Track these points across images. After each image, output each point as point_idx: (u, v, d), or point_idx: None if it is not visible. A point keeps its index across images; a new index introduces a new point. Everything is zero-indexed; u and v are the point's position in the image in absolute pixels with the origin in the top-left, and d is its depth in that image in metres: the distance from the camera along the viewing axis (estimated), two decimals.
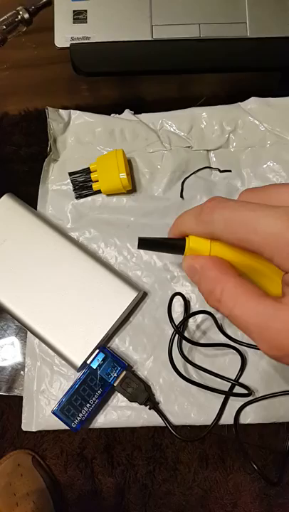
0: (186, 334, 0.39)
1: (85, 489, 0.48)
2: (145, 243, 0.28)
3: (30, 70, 0.50)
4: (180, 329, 0.38)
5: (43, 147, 0.43)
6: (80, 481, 0.48)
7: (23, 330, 0.41)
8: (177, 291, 0.39)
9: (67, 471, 0.48)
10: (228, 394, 0.37)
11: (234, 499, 0.45)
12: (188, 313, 0.39)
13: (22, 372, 0.40)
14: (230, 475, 0.45)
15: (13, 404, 0.48)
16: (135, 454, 0.45)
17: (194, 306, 0.39)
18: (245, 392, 0.37)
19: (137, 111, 0.44)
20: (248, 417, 0.37)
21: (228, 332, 0.38)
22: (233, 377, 0.37)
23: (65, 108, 0.45)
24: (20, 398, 0.39)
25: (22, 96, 0.49)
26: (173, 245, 0.28)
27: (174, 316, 0.39)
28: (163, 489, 0.45)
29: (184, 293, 0.39)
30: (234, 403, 0.38)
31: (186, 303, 0.39)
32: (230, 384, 0.37)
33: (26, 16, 0.48)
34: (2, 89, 0.49)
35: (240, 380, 0.38)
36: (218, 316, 0.38)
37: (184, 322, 0.39)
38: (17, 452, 0.49)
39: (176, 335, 0.37)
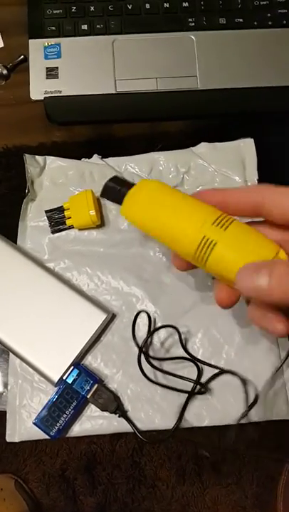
0: (151, 349, 0.44)
1: (67, 510, 0.48)
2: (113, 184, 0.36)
3: (7, 112, 0.54)
4: (143, 347, 0.43)
5: (22, 181, 0.47)
6: (62, 503, 0.48)
7: (6, 352, 0.46)
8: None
9: (50, 493, 0.48)
10: (188, 392, 0.42)
11: None
12: (152, 329, 0.44)
13: (5, 389, 0.45)
14: (207, 489, 0.46)
15: None
16: (115, 473, 0.46)
17: (157, 324, 0.45)
18: (203, 389, 0.42)
19: (106, 150, 0.50)
20: (205, 419, 0.43)
21: (188, 346, 0.44)
22: (191, 386, 0.43)
23: (41, 144, 0.50)
24: (4, 413, 0.43)
25: (0, 135, 0.53)
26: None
27: (140, 334, 0.44)
28: (143, 507, 0.46)
29: (148, 311, 0.44)
30: (194, 408, 0.43)
31: (150, 319, 0.44)
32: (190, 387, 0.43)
33: (5, 71, 0.54)
34: None
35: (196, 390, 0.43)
36: (182, 330, 0.43)
37: (150, 337, 0.44)
38: None
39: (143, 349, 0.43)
